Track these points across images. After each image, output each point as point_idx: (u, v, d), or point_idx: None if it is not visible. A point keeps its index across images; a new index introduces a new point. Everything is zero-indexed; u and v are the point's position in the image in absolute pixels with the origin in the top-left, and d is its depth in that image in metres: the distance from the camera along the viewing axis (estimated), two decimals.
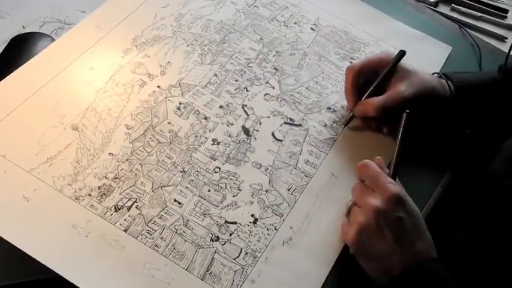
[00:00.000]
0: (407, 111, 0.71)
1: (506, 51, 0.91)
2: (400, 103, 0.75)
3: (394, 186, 0.65)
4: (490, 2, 1.13)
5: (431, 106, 0.78)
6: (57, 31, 0.86)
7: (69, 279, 0.60)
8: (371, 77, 0.79)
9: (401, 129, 0.71)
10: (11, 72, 0.76)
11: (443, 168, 0.82)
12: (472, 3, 1.13)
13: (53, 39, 0.83)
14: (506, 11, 1.12)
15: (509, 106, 0.79)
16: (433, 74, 0.83)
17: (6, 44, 0.82)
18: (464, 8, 1.12)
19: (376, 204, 0.64)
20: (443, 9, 1.12)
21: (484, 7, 1.12)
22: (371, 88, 0.78)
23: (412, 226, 0.64)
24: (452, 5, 1.12)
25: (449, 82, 0.80)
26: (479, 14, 1.11)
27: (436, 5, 1.12)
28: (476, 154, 0.82)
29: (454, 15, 1.11)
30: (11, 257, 0.65)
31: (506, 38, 1.06)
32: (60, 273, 0.60)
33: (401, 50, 0.78)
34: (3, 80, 0.74)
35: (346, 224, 0.68)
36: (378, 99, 0.76)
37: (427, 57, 0.94)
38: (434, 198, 0.78)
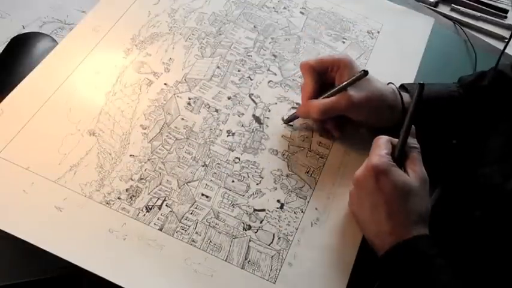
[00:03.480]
0: (421, 82, 0.70)
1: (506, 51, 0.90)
2: (346, 108, 0.73)
3: (377, 158, 0.66)
4: (490, 2, 1.15)
5: (381, 114, 0.76)
6: (57, 31, 0.86)
7: (118, 284, 0.61)
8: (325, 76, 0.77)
9: (414, 101, 0.70)
10: (11, 73, 0.76)
11: (434, 183, 0.78)
12: (472, 3, 1.14)
13: (53, 39, 0.83)
14: (506, 11, 1.14)
15: (468, 120, 0.79)
16: (389, 84, 0.79)
17: (6, 44, 0.82)
18: (464, 8, 1.13)
19: (356, 174, 0.68)
20: (443, 9, 1.14)
21: (484, 7, 1.14)
22: (323, 96, 0.75)
23: (392, 199, 0.65)
24: (452, 5, 1.14)
25: (401, 93, 0.77)
26: (479, 14, 1.12)
27: (436, 5, 1.13)
28: (462, 160, 0.81)
29: (454, 15, 1.12)
30: (11, 257, 0.66)
31: (507, 38, 1.08)
32: (109, 279, 0.61)
33: (364, 70, 0.72)
34: (10, 93, 0.73)
35: None
36: (322, 102, 0.74)
37: (412, 30, 0.97)
38: (432, 199, 0.79)
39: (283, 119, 0.80)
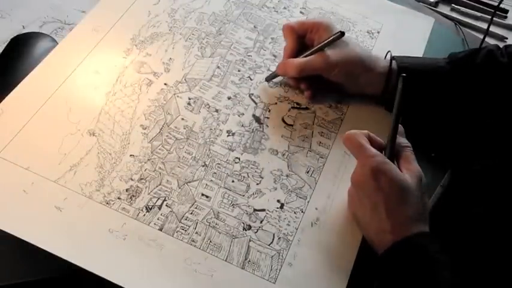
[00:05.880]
0: (404, 75, 0.69)
1: None
2: (320, 67, 0.76)
3: (372, 159, 0.66)
4: (490, 2, 1.14)
5: (357, 77, 0.78)
6: (57, 31, 0.86)
7: (118, 284, 0.61)
8: (305, 37, 0.81)
9: (398, 95, 0.69)
10: (11, 73, 0.76)
11: (444, 168, 0.82)
12: (472, 3, 1.13)
13: (53, 39, 0.83)
14: (506, 11, 1.13)
15: (453, 96, 0.78)
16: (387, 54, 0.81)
17: (6, 44, 0.82)
18: (464, 8, 1.12)
19: (353, 177, 0.68)
20: (443, 9, 1.13)
21: (484, 7, 1.13)
22: (301, 56, 0.79)
23: (392, 198, 0.64)
24: (452, 5, 1.13)
25: (380, 59, 0.79)
26: (479, 14, 1.12)
27: (436, 5, 1.13)
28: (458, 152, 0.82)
29: (454, 15, 1.11)
30: (11, 257, 0.65)
31: (506, 38, 1.07)
32: (109, 279, 0.61)
33: (340, 31, 0.75)
34: (10, 93, 0.73)
35: None
36: (299, 60, 0.77)
37: (412, 30, 0.97)
38: (435, 196, 0.79)
39: (265, 79, 0.83)
